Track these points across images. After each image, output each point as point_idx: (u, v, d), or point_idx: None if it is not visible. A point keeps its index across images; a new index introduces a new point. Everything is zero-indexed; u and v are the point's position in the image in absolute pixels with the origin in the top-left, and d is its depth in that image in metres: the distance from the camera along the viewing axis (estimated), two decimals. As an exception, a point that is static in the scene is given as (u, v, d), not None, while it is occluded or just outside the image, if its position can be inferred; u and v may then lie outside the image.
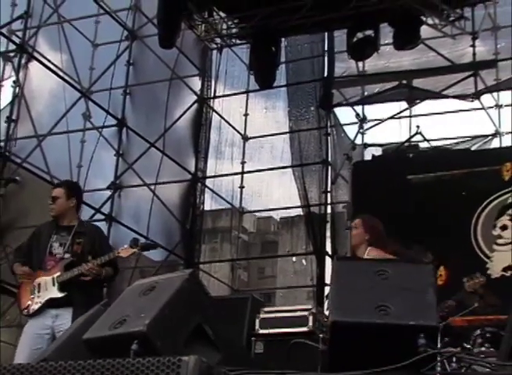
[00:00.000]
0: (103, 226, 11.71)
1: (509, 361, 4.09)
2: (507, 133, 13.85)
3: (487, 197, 11.68)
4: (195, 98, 14.61)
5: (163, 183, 13.51)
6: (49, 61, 12.25)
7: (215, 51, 14.81)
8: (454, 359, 5.45)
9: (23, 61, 11.60)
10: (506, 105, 13.97)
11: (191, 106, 14.48)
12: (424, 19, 12.48)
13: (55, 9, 12.22)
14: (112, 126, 12.94)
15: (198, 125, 14.51)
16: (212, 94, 14.92)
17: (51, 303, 6.57)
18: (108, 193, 12.76)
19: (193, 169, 14.26)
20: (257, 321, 8.14)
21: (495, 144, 13.83)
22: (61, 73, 12.29)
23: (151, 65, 13.46)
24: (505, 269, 11.12)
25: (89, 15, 13.76)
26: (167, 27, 12.29)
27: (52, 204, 6.87)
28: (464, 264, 11.30)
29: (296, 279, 19.44)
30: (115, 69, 13.13)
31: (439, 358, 3.76)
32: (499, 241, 11.49)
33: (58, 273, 6.56)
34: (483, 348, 7.07)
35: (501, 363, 4.21)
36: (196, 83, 14.79)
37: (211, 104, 14.85)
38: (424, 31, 12.64)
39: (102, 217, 12.25)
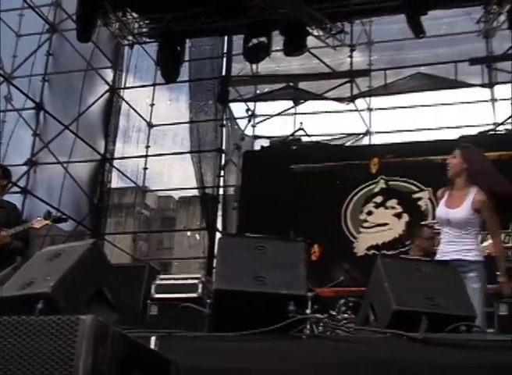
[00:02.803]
0: (19, 198, 11.55)
1: (364, 326, 4.19)
2: (377, 132, 14.12)
3: (357, 186, 11.88)
4: (107, 87, 14.40)
5: (75, 161, 13.29)
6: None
7: (126, 47, 14.61)
8: (322, 324, 5.57)
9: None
10: (376, 109, 14.25)
11: (103, 95, 14.27)
12: (310, 30, 12.60)
13: (-18, 2, 11.93)
14: (31, 108, 12.72)
15: (109, 112, 14.31)
16: (123, 85, 14.76)
17: None
18: (25, 168, 12.51)
19: (102, 151, 14.07)
20: (153, 287, 8.13)
21: (365, 141, 14.08)
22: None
23: (69, 56, 13.20)
24: (368, 249, 11.33)
25: (14, 8, 13.49)
26: (84, 23, 12.11)
27: None
28: (335, 243, 11.52)
29: (190, 251, 19.39)
30: (36, 58, 12.96)
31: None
32: (365, 224, 11.70)
33: None
34: (346, 315, 7.21)
35: (358, 328, 4.31)
36: (108, 74, 14.58)
37: (122, 94, 14.68)
38: (310, 41, 12.77)
39: (18, 190, 12.02)
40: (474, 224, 5.77)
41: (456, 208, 5.77)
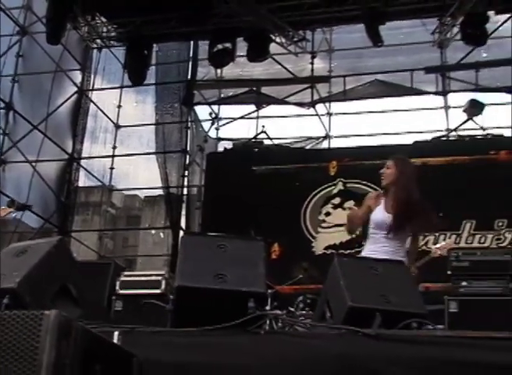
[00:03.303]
0: (-13, 195, 11.43)
1: (320, 322, 4.22)
2: (336, 136, 14.19)
3: (316, 188, 11.93)
4: (75, 89, 14.25)
5: (43, 160, 13.14)
6: None
7: (95, 50, 14.50)
8: (280, 320, 5.58)
9: None
10: (335, 114, 14.31)
11: (72, 96, 14.12)
12: (273, 37, 12.63)
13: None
14: (1, 108, 12.54)
15: (77, 113, 14.18)
16: (91, 87, 14.62)
17: None
18: (-6, 167, 12.39)
19: (70, 150, 13.92)
20: (117, 283, 8.06)
21: (325, 145, 14.13)
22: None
23: (39, 58, 13.04)
24: (326, 248, 11.39)
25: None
26: (54, 26, 12.01)
27: None
28: (295, 242, 11.56)
29: (155, 249, 19.28)
30: (6, 59, 12.76)
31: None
32: (323, 224, 11.76)
33: None
34: (304, 312, 7.24)
35: (314, 324, 4.34)
36: (77, 76, 14.43)
37: (90, 95, 14.55)
38: (273, 48, 12.79)
39: (-13, 188, 11.89)
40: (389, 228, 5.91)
41: (390, 213, 5.89)
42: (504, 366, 3.22)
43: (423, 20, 12.48)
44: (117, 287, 8.02)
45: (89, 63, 14.60)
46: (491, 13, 11.71)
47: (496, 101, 13.27)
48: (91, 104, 14.56)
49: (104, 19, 13.58)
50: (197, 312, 3.84)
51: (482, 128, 12.42)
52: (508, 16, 11.83)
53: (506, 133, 12.31)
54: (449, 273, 7.58)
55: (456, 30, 11.95)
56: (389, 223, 5.86)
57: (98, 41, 14.12)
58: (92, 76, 14.66)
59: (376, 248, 5.89)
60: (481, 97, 12.61)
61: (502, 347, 3.41)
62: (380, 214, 5.98)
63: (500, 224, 10.93)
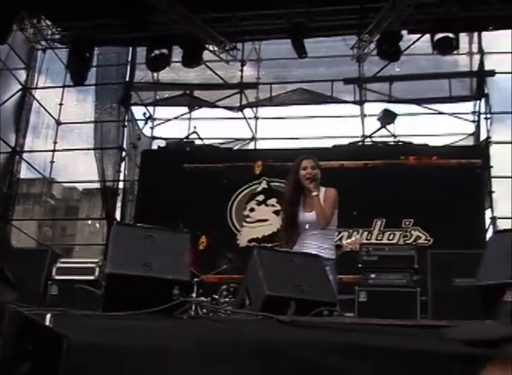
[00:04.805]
0: None
1: (240, 309, 4.23)
2: (262, 139, 14.23)
3: (242, 185, 11.97)
4: (20, 87, 13.99)
5: (-14, 153, 12.89)
6: None
7: (40, 51, 14.23)
8: (204, 307, 5.57)
9: None
10: (262, 118, 14.35)
11: (16, 93, 13.83)
12: (206, 45, 12.63)
13: None
14: None
15: (21, 109, 13.89)
16: (35, 85, 14.35)
17: None
18: None
19: (13, 144, 13.64)
20: (54, 269, 7.96)
21: (251, 146, 14.14)
22: None
23: (-15, 57, 12.79)
24: (250, 241, 11.43)
25: None
26: (1, 27, 11.73)
27: None
28: (221, 235, 11.57)
29: (91, 238, 19.05)
30: (-46, 58, 12.43)
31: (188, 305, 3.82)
32: (248, 219, 11.81)
33: None
34: (227, 299, 7.26)
35: (234, 310, 4.35)
36: (22, 75, 14.12)
37: (33, 93, 14.28)
38: (206, 55, 12.78)
39: None
40: (331, 224, 5.94)
41: (311, 211, 5.90)
42: (406, 352, 3.27)
43: (343, 36, 12.64)
44: (53, 273, 7.92)
45: (33, 63, 14.33)
46: (404, 32, 11.94)
47: (407, 111, 13.50)
48: (35, 101, 14.29)
49: (49, 22, 13.41)
50: (126, 298, 3.80)
51: (394, 135, 12.61)
52: (419, 35, 12.05)
53: (415, 140, 12.55)
54: (359, 265, 7.72)
55: (373, 46, 12.12)
56: (313, 221, 5.88)
57: (43, 42, 13.89)
58: (36, 75, 14.39)
59: (301, 246, 5.90)
60: (393, 107, 12.81)
61: (404, 333, 3.46)
62: (302, 215, 6.00)
63: (407, 223, 11.14)
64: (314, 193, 5.84)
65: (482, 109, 12.59)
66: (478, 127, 12.79)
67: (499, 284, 3.97)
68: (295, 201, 6.07)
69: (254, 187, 11.92)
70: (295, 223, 5.99)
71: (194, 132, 13.49)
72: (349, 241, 6.92)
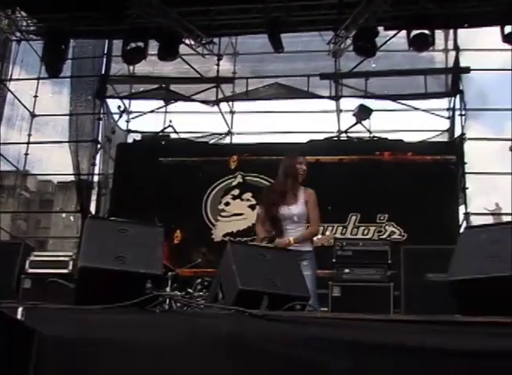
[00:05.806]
0: None
1: (213, 303, 4.24)
2: (237, 133, 14.23)
3: (217, 179, 11.96)
4: (-6, 78, 13.90)
5: (-40, 146, 12.77)
6: None
7: (14, 42, 14.09)
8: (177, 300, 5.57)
9: None
10: (238, 112, 14.35)
11: (-10, 85, 13.76)
12: (183, 39, 12.58)
13: None
14: None
15: (-6, 101, 13.82)
16: (9, 77, 14.22)
17: None
18: None
19: (-14, 136, 13.57)
20: (27, 262, 7.90)
21: (227, 140, 14.14)
22: None
23: (-41, 48, 12.67)
24: (225, 235, 11.41)
25: None
26: (-26, 18, 11.67)
27: None
28: (196, 229, 11.57)
29: (65, 231, 18.99)
30: None
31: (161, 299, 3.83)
32: (223, 213, 11.81)
33: None
34: (201, 293, 7.26)
35: (207, 304, 4.36)
36: (-4, 66, 14.06)
37: (8, 85, 14.15)
38: (182, 48, 12.72)
39: None
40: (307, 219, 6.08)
41: (292, 205, 6.03)
42: (376, 346, 3.30)
43: (320, 31, 12.66)
44: (26, 267, 7.85)
45: (8, 54, 14.17)
46: (380, 29, 11.97)
47: (383, 107, 13.55)
48: (9, 93, 14.15)
49: (24, 14, 13.22)
50: (99, 291, 3.81)
51: (369, 131, 12.65)
52: (395, 32, 12.10)
53: (390, 136, 12.64)
54: (333, 260, 7.75)
55: (349, 41, 12.13)
56: (299, 213, 6.02)
57: (18, 33, 13.71)
58: (11, 67, 14.23)
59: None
60: (369, 103, 12.85)
61: (376, 328, 3.49)
62: (287, 209, 6.12)
63: (382, 218, 11.21)
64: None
65: (457, 106, 12.69)
66: (452, 124, 12.89)
67: (470, 279, 4.02)
68: (281, 199, 6.21)
69: (229, 181, 11.92)
70: (276, 219, 6.13)
71: (170, 126, 13.45)
72: (319, 236, 6.97)
